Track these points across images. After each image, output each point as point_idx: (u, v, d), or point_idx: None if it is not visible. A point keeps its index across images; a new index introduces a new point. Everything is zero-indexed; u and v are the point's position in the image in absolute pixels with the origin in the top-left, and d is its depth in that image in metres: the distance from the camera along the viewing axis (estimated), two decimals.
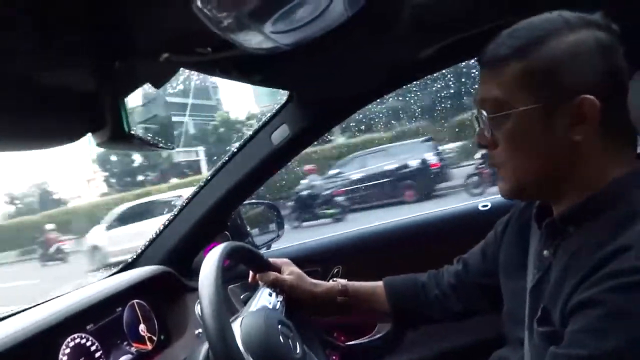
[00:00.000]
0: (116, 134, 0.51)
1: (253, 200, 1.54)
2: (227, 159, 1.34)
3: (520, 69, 0.69)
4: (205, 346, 0.91)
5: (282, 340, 0.86)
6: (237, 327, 0.85)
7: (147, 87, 0.67)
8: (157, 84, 0.69)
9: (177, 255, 1.37)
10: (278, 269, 1.07)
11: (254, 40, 0.62)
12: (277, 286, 1.03)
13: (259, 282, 1.04)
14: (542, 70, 0.68)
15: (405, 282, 1.10)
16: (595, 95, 0.66)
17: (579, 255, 0.67)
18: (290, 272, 1.06)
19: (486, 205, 1.46)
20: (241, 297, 1.25)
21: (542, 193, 0.77)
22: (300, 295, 1.05)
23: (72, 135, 0.56)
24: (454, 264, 1.07)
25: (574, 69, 0.67)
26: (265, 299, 0.98)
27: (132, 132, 0.54)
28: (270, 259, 1.08)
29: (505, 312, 0.90)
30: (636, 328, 0.57)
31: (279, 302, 1.01)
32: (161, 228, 1.38)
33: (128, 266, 1.36)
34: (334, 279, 1.11)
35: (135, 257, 1.38)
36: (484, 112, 0.73)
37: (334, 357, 1.48)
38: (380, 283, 1.11)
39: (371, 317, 1.17)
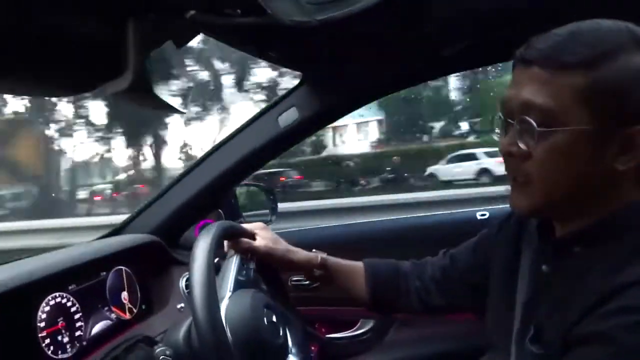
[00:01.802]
0: (137, 84, 0.49)
1: (251, 182, 1.51)
2: (230, 135, 1.31)
3: (585, 83, 0.61)
4: (187, 322, 0.89)
5: (266, 324, 0.85)
6: (223, 307, 0.84)
7: None
8: (179, 44, 0.66)
9: (167, 228, 1.34)
10: (252, 235, 1.01)
11: (286, 9, 0.60)
12: (249, 253, 0.99)
13: (230, 250, 0.99)
14: (608, 90, 0.61)
15: (387, 267, 1.06)
16: None
17: (585, 279, 0.64)
18: (263, 236, 1.01)
19: (484, 215, 1.45)
20: None
21: (559, 214, 0.72)
22: (274, 261, 1.02)
23: (91, 83, 0.54)
24: (439, 255, 1.04)
25: (638, 94, 0.61)
26: (236, 269, 0.94)
27: (153, 85, 0.52)
28: (244, 225, 1.03)
29: (490, 319, 0.87)
30: None
31: (252, 270, 0.99)
32: (154, 197, 1.35)
33: (116, 232, 1.33)
34: (314, 250, 1.06)
35: (124, 223, 1.35)
36: (532, 122, 0.64)
37: (313, 348, 1.47)
38: (360, 264, 1.07)
39: (349, 300, 1.14)
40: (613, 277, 0.60)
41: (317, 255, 1.04)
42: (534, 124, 0.64)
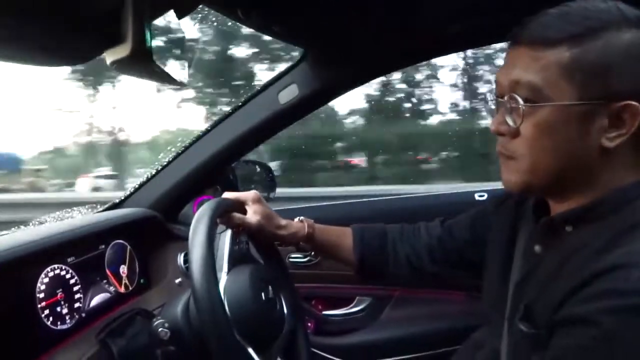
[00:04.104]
0: (137, 53, 0.48)
1: (249, 159, 1.51)
2: (230, 111, 1.30)
3: (570, 57, 0.62)
4: (185, 296, 0.90)
5: (263, 299, 0.86)
6: (221, 284, 0.84)
7: None
8: (180, 14, 0.65)
9: (165, 203, 1.33)
10: (243, 205, 0.99)
11: None
12: (240, 227, 0.97)
13: (220, 225, 0.96)
14: (594, 64, 0.61)
15: (375, 233, 1.05)
16: (639, 102, 0.61)
17: (573, 259, 0.65)
18: (255, 210, 0.98)
19: (482, 195, 1.45)
20: None
21: (551, 192, 0.73)
22: (264, 238, 1.00)
23: (90, 52, 0.52)
24: (435, 222, 1.04)
25: (625, 70, 0.61)
26: (230, 244, 0.93)
27: (153, 52, 0.51)
28: (239, 193, 1.00)
29: (486, 295, 0.88)
30: (626, 355, 0.55)
31: (244, 243, 1.00)
32: (153, 172, 1.35)
33: (115, 206, 1.33)
34: (301, 217, 1.05)
35: (123, 197, 1.34)
36: (519, 98, 0.65)
37: (309, 324, 1.49)
38: (348, 230, 1.06)
39: (346, 277, 1.12)
40: (597, 259, 0.60)
41: (304, 227, 1.02)
42: (520, 100, 0.65)
